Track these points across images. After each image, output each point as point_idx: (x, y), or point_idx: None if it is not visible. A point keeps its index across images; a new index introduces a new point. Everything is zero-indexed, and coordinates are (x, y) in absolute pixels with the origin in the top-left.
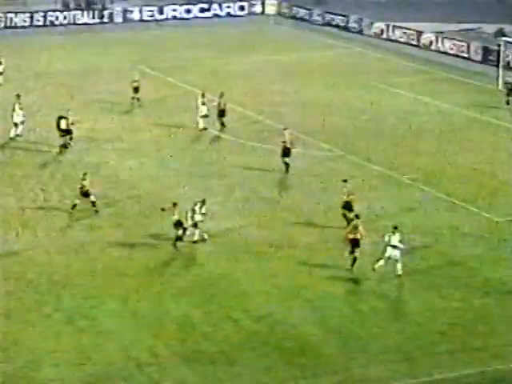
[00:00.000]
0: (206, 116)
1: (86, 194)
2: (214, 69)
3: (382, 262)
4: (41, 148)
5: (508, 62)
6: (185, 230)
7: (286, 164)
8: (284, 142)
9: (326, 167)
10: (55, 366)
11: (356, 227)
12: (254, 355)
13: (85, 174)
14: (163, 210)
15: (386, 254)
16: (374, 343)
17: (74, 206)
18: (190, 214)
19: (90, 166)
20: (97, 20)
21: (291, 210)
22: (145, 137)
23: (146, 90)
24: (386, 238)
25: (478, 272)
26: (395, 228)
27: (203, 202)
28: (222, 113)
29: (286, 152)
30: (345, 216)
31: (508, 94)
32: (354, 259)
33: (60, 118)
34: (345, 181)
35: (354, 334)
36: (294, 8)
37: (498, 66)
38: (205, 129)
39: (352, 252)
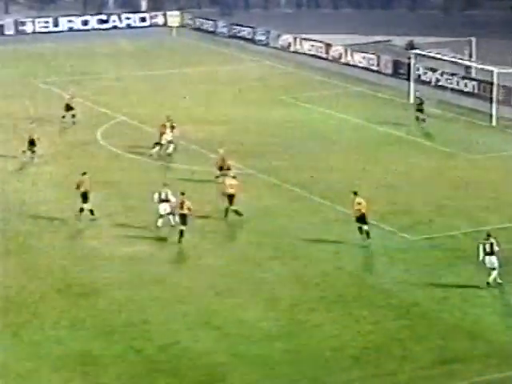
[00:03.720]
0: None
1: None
2: (113, 83)
3: (494, 274)
4: None
5: (419, 76)
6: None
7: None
8: (220, 160)
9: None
10: None
11: (359, 203)
12: None
13: (84, 173)
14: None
15: (488, 264)
16: (285, 370)
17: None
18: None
19: None
20: None
21: (199, 232)
22: (42, 156)
23: (46, 108)
24: (481, 248)
25: (391, 294)
26: (488, 235)
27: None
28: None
29: (221, 168)
30: (237, 212)
31: (417, 110)
32: (367, 233)
33: None
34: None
35: (264, 361)
36: (198, 19)
37: (408, 79)
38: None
39: (360, 225)
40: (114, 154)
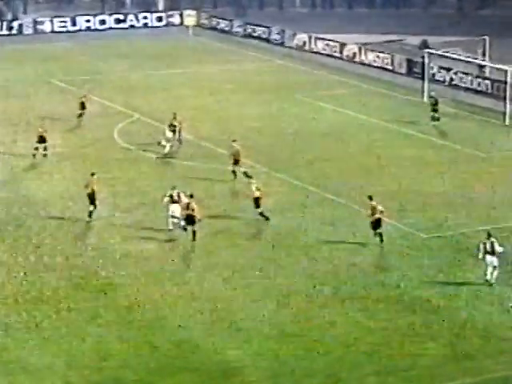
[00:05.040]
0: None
1: (92, 199)
2: (131, 82)
3: (490, 271)
4: None
5: (433, 75)
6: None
7: (234, 172)
8: (233, 153)
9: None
10: None
11: (374, 208)
12: (175, 381)
13: (92, 174)
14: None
15: (488, 262)
16: (300, 365)
17: (91, 213)
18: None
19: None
20: (5, 32)
21: (211, 227)
22: (57, 154)
23: (63, 106)
24: (482, 246)
25: (404, 290)
26: (489, 234)
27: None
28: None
29: (236, 161)
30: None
31: (432, 110)
32: (380, 235)
33: None
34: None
35: (279, 356)
36: (214, 19)
37: (422, 78)
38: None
39: (375, 230)
40: (129, 151)
